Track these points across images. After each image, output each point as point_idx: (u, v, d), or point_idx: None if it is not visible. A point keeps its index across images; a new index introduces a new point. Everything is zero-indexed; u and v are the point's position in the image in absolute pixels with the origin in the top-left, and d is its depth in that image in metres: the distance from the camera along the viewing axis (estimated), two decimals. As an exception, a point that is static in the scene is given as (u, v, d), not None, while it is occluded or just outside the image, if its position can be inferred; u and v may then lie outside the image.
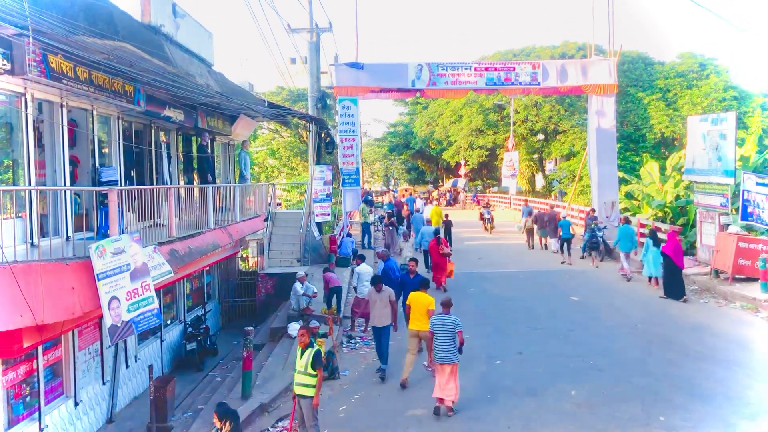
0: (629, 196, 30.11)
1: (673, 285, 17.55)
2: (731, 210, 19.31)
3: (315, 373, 9.36)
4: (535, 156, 48.61)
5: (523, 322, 15.62)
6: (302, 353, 9.57)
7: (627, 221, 21.45)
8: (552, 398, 10.80)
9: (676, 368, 12.00)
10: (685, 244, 22.83)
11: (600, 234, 23.24)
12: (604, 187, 25.91)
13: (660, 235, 19.15)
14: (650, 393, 10.82)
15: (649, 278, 19.02)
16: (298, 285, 15.85)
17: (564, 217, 24.91)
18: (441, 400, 10.46)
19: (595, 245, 22.93)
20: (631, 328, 14.80)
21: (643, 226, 23.41)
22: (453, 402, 10.42)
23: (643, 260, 19.24)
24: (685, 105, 37.43)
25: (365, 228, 27.02)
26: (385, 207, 35.68)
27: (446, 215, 27.35)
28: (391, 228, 25.33)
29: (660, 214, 26.62)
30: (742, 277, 18.02)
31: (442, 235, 21.15)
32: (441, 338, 10.48)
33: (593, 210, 24.85)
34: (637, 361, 12.51)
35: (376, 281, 12.79)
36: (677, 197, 26.63)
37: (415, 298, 11.82)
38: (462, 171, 53.30)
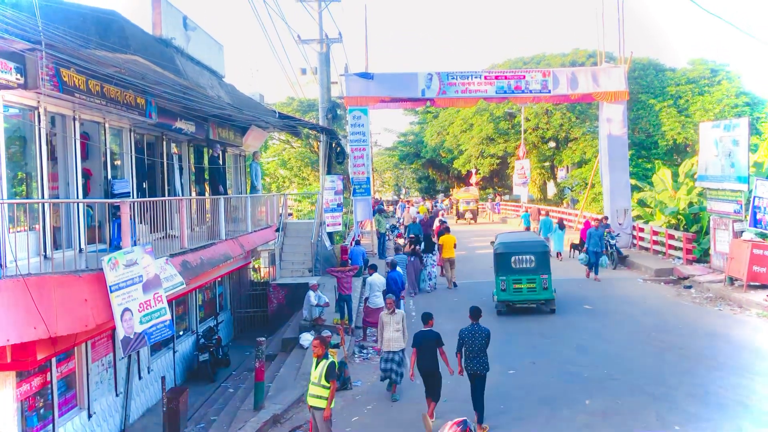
0: (642, 203, 29.90)
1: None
2: (745, 216, 19.14)
3: (328, 384, 9.33)
4: (547, 164, 48.40)
5: (536, 332, 15.54)
6: (317, 364, 9.55)
7: (548, 214, 29.61)
8: (566, 408, 10.73)
9: (691, 377, 11.89)
10: (699, 252, 22.73)
11: (613, 242, 23.13)
12: (616, 194, 25.79)
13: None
14: (665, 402, 10.73)
15: (557, 253, 25.02)
16: (311, 294, 15.75)
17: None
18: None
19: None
20: (645, 336, 14.68)
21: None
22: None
23: (552, 238, 25.35)
24: (697, 111, 37.11)
25: (381, 238, 27.03)
26: (409, 228, 25.60)
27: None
28: (414, 258, 20.24)
29: (673, 221, 26.40)
30: (757, 284, 17.82)
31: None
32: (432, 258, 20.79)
33: (606, 218, 24.68)
34: (651, 369, 12.41)
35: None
36: (690, 204, 26.44)
37: (445, 238, 20.65)
38: (473, 180, 53.20)
